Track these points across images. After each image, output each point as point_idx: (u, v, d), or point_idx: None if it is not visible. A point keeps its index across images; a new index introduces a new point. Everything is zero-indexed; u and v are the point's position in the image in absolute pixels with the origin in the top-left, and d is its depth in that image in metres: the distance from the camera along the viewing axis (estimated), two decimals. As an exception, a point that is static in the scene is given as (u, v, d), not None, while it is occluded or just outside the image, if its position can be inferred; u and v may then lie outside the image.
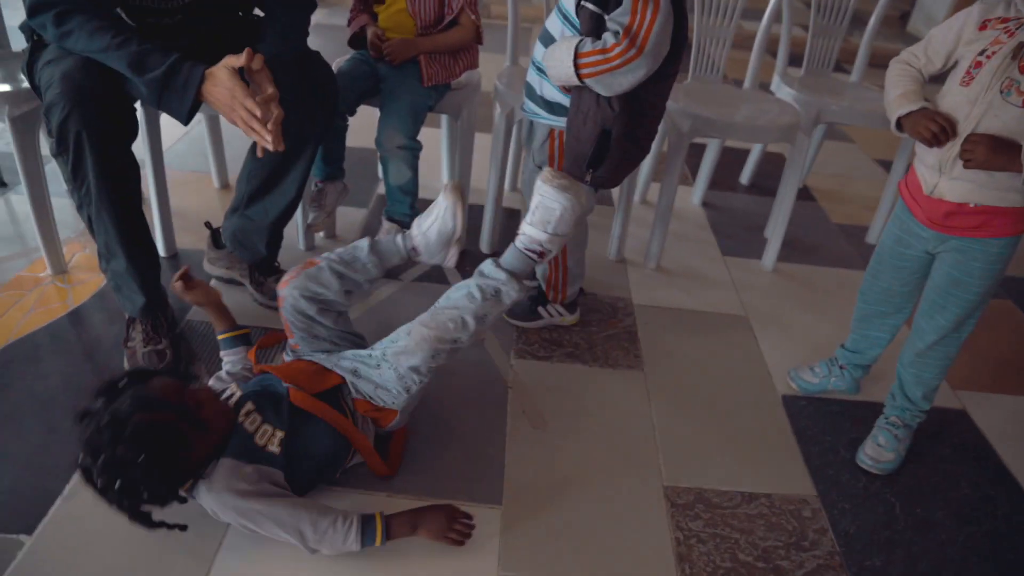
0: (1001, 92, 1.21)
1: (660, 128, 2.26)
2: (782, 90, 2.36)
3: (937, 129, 1.26)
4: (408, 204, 1.95)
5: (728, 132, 2.00)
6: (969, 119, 1.25)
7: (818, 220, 2.57)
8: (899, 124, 1.35)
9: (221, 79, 1.27)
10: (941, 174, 1.32)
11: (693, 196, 2.57)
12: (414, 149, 1.88)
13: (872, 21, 2.45)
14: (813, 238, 2.44)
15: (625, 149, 1.57)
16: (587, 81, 1.44)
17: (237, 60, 1.27)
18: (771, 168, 2.70)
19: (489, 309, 1.32)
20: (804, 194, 2.73)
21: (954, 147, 1.26)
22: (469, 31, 1.89)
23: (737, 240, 2.35)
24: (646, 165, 2.45)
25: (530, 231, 1.37)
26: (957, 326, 1.43)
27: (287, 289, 1.37)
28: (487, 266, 1.36)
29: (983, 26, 1.27)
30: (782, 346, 1.87)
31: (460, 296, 1.33)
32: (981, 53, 1.25)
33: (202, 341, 1.65)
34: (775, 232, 2.18)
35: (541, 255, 1.38)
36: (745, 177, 2.76)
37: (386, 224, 1.98)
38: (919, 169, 1.38)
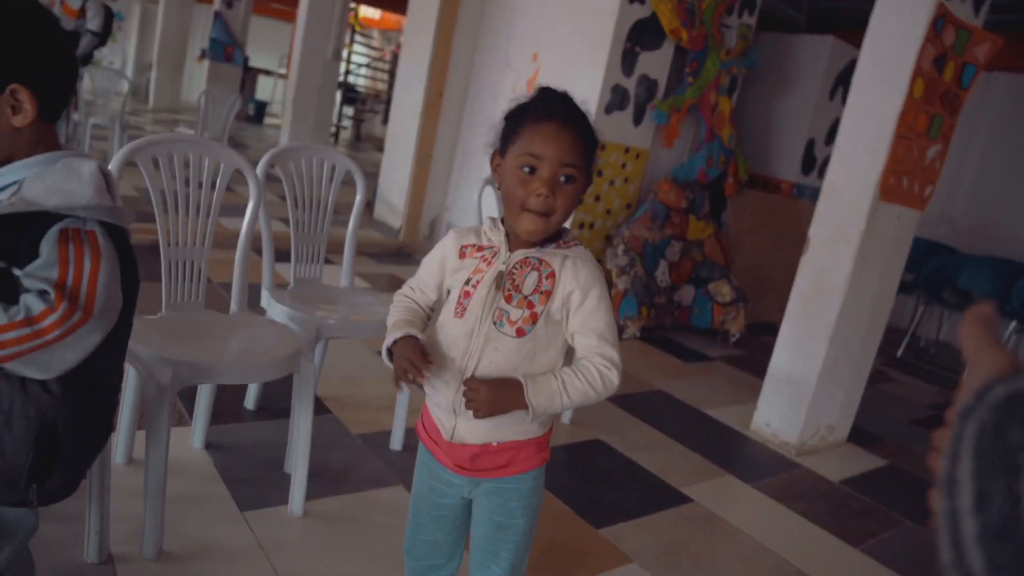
0: (495, 324, 1.15)
1: (135, 381, 1.85)
2: (274, 308, 2.16)
3: (408, 367, 1.12)
4: None
5: (221, 376, 1.68)
6: (470, 354, 1.16)
7: (339, 436, 2.38)
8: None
9: None
10: (457, 415, 1.19)
11: (193, 438, 2.14)
12: None
13: (353, 217, 2.46)
14: (339, 460, 2.23)
15: (83, 438, 1.16)
16: (8, 366, 1.02)
17: None
18: (279, 383, 2.44)
19: None
20: (319, 407, 2.53)
21: (460, 389, 1.16)
22: None
23: (256, 485, 2.00)
24: (126, 416, 1.96)
25: None
26: (514, 569, 1.31)
27: None
28: None
29: (462, 254, 1.21)
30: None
31: None
32: (467, 283, 1.18)
33: None
34: (297, 469, 1.90)
35: None
36: (251, 401, 2.44)
37: None
38: (434, 412, 1.25)
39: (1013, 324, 4.84)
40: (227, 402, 2.39)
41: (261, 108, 14.00)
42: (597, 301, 1.16)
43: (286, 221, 2.30)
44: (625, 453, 2.65)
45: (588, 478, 2.42)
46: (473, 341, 1.16)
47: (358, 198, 2.46)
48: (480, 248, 1.20)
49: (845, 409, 3.15)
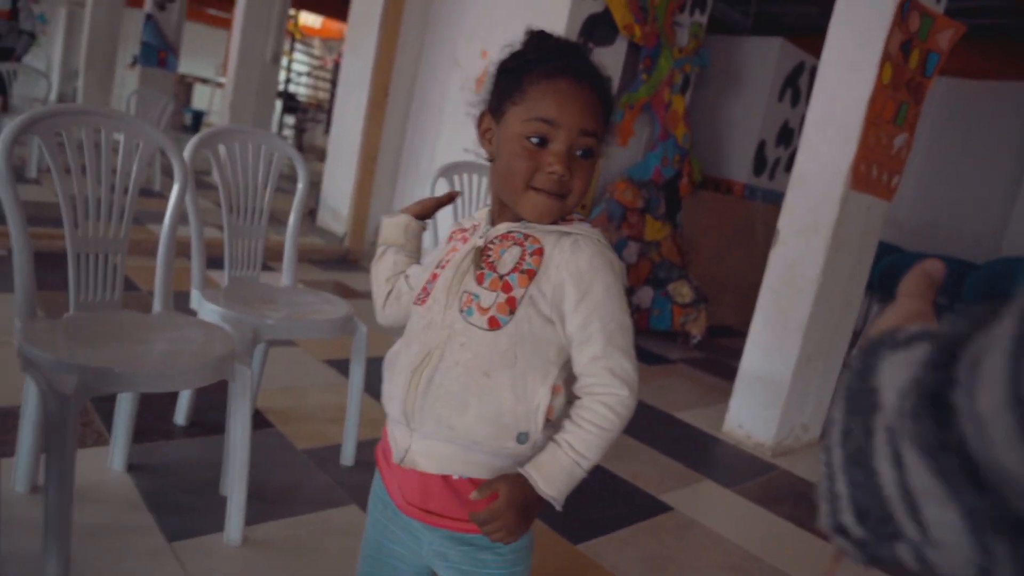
0: (461, 312, 0.88)
1: (34, 394, 1.59)
2: (204, 308, 1.91)
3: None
4: None
5: (138, 383, 1.43)
6: (430, 351, 0.88)
7: (282, 452, 2.13)
8: None
9: None
10: (412, 430, 0.89)
11: (112, 459, 1.87)
12: None
13: (295, 209, 2.23)
14: (282, 479, 1.98)
15: None
16: None
17: None
18: (213, 396, 2.18)
19: None
20: (259, 421, 2.27)
21: (413, 391, 0.88)
22: None
23: (186, 512, 1.74)
24: (27, 437, 1.68)
25: None
26: None
27: None
28: None
29: (450, 238, 1.01)
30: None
31: None
32: (437, 265, 0.95)
33: None
34: (234, 491, 1.65)
35: None
36: (181, 415, 2.17)
37: None
38: (390, 427, 0.96)
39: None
40: (153, 417, 2.12)
41: (198, 118, 13.51)
42: (604, 293, 0.86)
43: (219, 227, 2.06)
44: (598, 462, 2.45)
45: (559, 489, 2.23)
46: (434, 335, 0.88)
47: (300, 186, 2.23)
48: (463, 230, 0.99)
49: (819, 407, 3.03)
